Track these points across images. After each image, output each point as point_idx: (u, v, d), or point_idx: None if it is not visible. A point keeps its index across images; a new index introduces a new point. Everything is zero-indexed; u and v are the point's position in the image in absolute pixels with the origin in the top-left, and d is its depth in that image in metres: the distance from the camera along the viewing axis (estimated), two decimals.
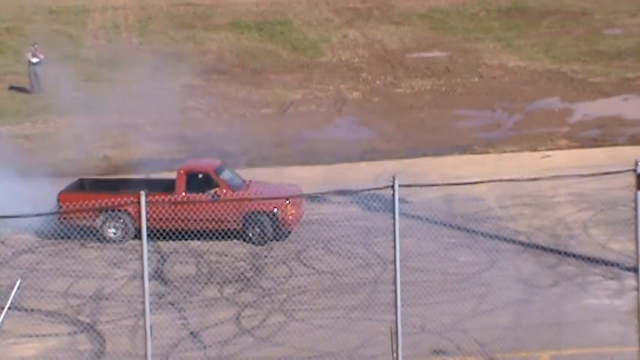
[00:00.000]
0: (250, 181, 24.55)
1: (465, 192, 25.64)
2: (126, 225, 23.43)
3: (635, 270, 15.75)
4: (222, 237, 22.61)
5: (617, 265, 21.47)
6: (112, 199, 22.37)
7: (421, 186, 17.38)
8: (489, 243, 22.90)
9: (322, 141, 32.01)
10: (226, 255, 22.89)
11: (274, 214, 23.13)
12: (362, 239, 23.20)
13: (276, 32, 45.64)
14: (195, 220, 23.14)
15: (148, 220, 21.85)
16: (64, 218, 23.44)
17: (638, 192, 15.59)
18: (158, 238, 22.04)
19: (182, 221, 23.11)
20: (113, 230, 23.52)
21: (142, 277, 14.85)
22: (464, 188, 24.77)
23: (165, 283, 21.49)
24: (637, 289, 15.70)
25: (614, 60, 41.48)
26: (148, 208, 21.70)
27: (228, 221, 23.17)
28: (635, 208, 15.69)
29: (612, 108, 35.38)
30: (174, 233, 22.87)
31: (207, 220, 23.09)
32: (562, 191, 26.23)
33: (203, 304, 20.42)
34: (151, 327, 14.83)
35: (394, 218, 15.31)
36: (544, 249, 22.82)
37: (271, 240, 23.20)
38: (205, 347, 18.57)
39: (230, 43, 44.12)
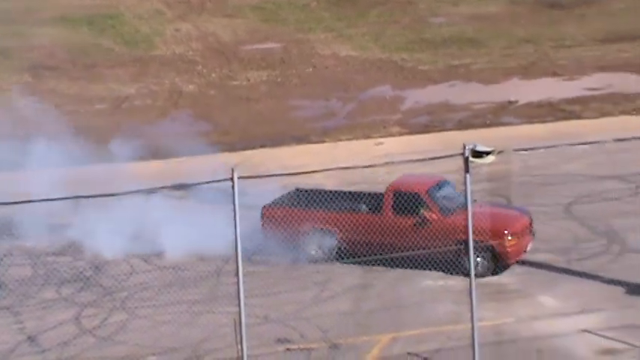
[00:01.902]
0: (476, 201, 20.54)
1: (303, 181, 25.95)
2: (330, 245, 21.30)
3: (467, 249, 16.37)
4: (433, 267, 20.46)
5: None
6: (317, 216, 20.90)
7: (260, 177, 17.57)
8: None
9: (158, 135, 31.82)
10: (64, 255, 22.53)
11: (490, 248, 20.27)
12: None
13: (107, 26, 45.04)
14: (400, 248, 20.52)
15: (347, 241, 21.02)
16: (266, 232, 21.58)
17: (467, 175, 16.19)
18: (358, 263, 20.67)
19: (386, 247, 20.68)
20: (316, 248, 21.51)
21: None
22: (302, 178, 25.03)
23: (0, 286, 21.01)
24: (469, 268, 16.31)
25: (440, 48, 42.68)
26: (350, 230, 20.65)
27: (440, 251, 20.52)
28: (465, 191, 16.30)
29: (440, 95, 36.42)
30: (378, 261, 20.69)
31: (413, 248, 20.47)
32: (396, 177, 26.88)
33: (40, 307, 20.06)
34: None
35: (234, 210, 15.45)
36: None
37: (492, 273, 20.49)
38: (44, 351, 18.27)
39: (60, 39, 43.27)
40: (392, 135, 32.00)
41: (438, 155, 17.57)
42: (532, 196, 25.11)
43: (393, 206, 20.82)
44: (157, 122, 33.51)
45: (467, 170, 16.16)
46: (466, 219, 18.91)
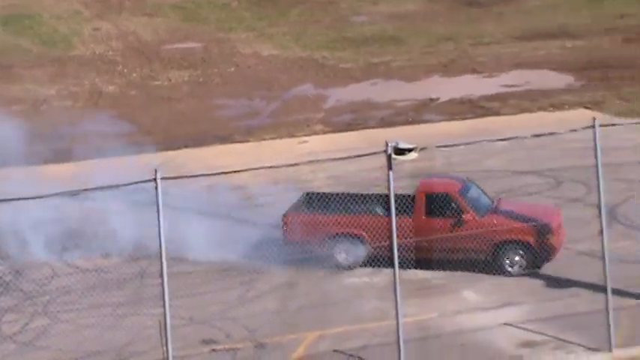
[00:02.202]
0: (500, 199, 21.48)
1: (228, 181, 25.89)
2: (357, 250, 20.75)
3: (391, 246, 16.49)
4: (468, 269, 20.26)
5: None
6: (344, 222, 20.33)
7: (183, 177, 17.47)
8: (254, 230, 23.23)
9: (79, 136, 31.47)
10: None
11: (529, 245, 20.08)
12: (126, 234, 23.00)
13: (24, 26, 44.41)
14: (435, 250, 20.21)
15: (378, 247, 20.13)
16: (289, 242, 21.00)
17: (390, 172, 16.32)
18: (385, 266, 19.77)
19: (420, 251, 20.17)
20: (344, 255, 20.89)
21: None
22: (227, 178, 24.99)
23: None
24: (393, 265, 16.44)
25: (362, 46, 42.92)
26: (378, 233, 19.90)
27: (476, 252, 20.25)
28: (388, 187, 16.43)
29: (362, 93, 36.61)
30: (408, 264, 19.91)
31: (450, 250, 20.19)
32: (320, 175, 26.95)
33: None
34: None
35: (158, 211, 15.35)
36: None
37: (532, 269, 20.26)
38: None
39: None
40: (316, 133, 32.09)
41: (362, 153, 17.65)
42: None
43: (425, 208, 20.50)
44: (77, 123, 33.13)
45: (390, 167, 16.29)
46: (503, 219, 19.87)
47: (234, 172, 22.83)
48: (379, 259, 20.08)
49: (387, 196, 19.94)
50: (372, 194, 21.98)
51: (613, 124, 20.04)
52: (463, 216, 20.24)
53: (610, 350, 16.56)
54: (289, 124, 33.08)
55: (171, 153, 29.88)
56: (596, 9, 47.85)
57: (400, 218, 19.41)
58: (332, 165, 25.14)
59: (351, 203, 21.48)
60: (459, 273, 20.63)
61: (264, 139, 31.54)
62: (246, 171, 21.93)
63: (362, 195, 21.91)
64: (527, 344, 17.35)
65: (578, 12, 47.61)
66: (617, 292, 17.41)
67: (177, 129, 32.61)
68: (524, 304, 18.95)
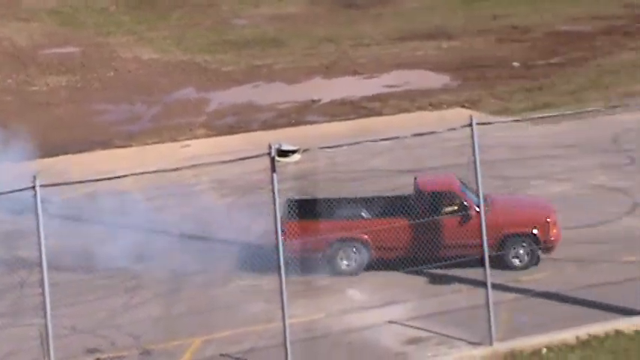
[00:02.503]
0: (491, 194, 20.77)
1: (111, 187, 25.56)
2: (361, 255, 20.27)
3: (277, 249, 16.53)
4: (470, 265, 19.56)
5: (259, 246, 22.29)
6: (346, 226, 19.81)
7: (63, 184, 17.21)
8: (137, 236, 23.00)
9: None
10: None
11: (535, 237, 19.96)
12: (4, 244, 22.55)
13: None
14: (441, 248, 19.96)
15: (382, 249, 19.83)
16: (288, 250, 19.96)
17: (274, 174, 16.35)
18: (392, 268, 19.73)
19: (424, 249, 19.87)
20: (346, 262, 20.42)
21: None
22: (109, 183, 24.64)
23: None
24: (277, 267, 16.47)
25: (243, 49, 42.91)
26: (383, 236, 19.47)
27: (481, 247, 19.95)
28: (273, 190, 16.45)
29: (245, 95, 36.59)
30: (412, 262, 19.81)
31: (455, 247, 19.87)
32: (204, 179, 26.85)
33: None
34: None
35: (37, 220, 15.08)
36: (191, 237, 23.27)
37: (534, 263, 20.20)
38: None
39: None
40: (198, 137, 31.95)
41: (245, 156, 17.65)
42: (339, 192, 25.55)
43: (431, 209, 20.15)
44: None
45: (273, 170, 16.33)
46: (507, 213, 19.85)
47: (116, 177, 22.58)
48: (383, 263, 19.95)
49: (390, 198, 20.69)
50: (362, 197, 21.66)
51: (489, 123, 20.45)
52: (470, 212, 19.99)
53: (491, 344, 16.92)
54: (171, 128, 32.84)
55: (50, 160, 29.35)
56: (471, 10, 48.83)
57: (404, 220, 19.72)
58: (216, 168, 25.03)
59: (348, 207, 21.12)
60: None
61: (147, 144, 31.25)
62: (127, 176, 21.72)
63: (352, 199, 21.63)
64: (412, 341, 17.60)
65: (453, 13, 48.50)
66: (496, 287, 17.79)
67: (56, 135, 32.06)
68: (408, 301, 19.20)
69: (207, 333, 18.43)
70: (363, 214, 20.72)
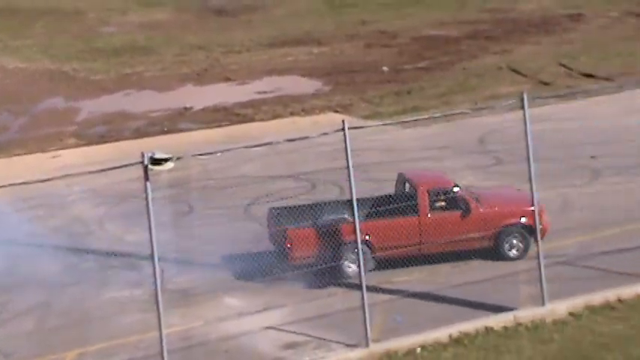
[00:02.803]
0: (473, 191, 21.33)
1: None
2: (366, 257, 19.46)
3: (152, 258, 16.41)
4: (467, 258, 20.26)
5: (135, 255, 22.11)
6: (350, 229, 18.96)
7: None
8: (14, 249, 22.53)
9: None
10: None
11: (529, 227, 20.13)
12: None
13: None
14: (445, 244, 20.15)
15: (390, 249, 19.51)
16: (294, 259, 19.86)
17: (147, 183, 16.24)
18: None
19: (430, 246, 20.14)
20: (352, 266, 19.77)
21: None
22: None
23: None
24: (153, 276, 16.37)
25: (113, 57, 42.42)
26: (390, 236, 19.18)
27: (480, 240, 20.38)
28: (146, 198, 16.33)
29: (115, 104, 36.19)
30: (417, 260, 19.94)
31: (456, 241, 20.18)
32: (76, 189, 26.47)
33: None
34: None
35: None
36: (64, 248, 22.92)
37: (526, 252, 20.42)
38: None
39: None
40: (69, 147, 31.47)
41: (118, 165, 17.48)
42: (213, 199, 25.54)
43: (430, 204, 20.34)
44: None
45: (147, 178, 16.21)
46: (500, 205, 20.30)
47: None
48: (387, 263, 19.90)
49: (378, 199, 20.72)
50: (369, 198, 21.33)
51: (361, 127, 20.72)
52: (471, 206, 20.34)
53: (367, 345, 17.14)
54: (40, 138, 32.26)
55: None
56: (339, 16, 49.36)
57: (408, 219, 19.97)
58: (87, 178, 24.71)
59: (346, 210, 20.59)
60: (219, 279, 20.74)
61: (15, 155, 30.62)
62: None
63: (365, 200, 21.17)
64: (290, 346, 17.69)
65: (322, 19, 48.93)
66: (371, 289, 18.04)
67: None
68: (285, 306, 19.30)
69: (81, 346, 18.17)
70: (364, 215, 20.36)
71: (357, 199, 20.28)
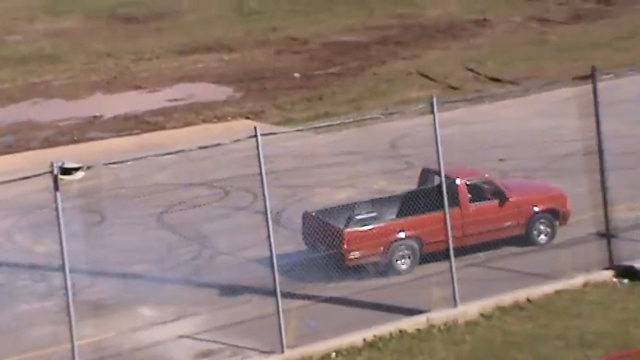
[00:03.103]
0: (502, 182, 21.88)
1: None
2: (414, 253, 20.27)
3: (63, 269, 16.22)
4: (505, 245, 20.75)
5: (45, 267, 21.81)
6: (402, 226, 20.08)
7: None
8: None
9: None
10: None
11: (557, 213, 21.05)
12: None
13: None
14: (483, 233, 20.60)
15: (437, 243, 19.42)
16: (351, 260, 19.99)
17: (57, 193, 16.04)
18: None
19: (470, 237, 20.47)
20: (402, 262, 20.30)
21: None
22: None
23: None
24: (65, 288, 16.17)
25: (19, 65, 41.80)
26: (437, 230, 19.04)
27: (515, 227, 20.94)
28: (56, 209, 16.13)
29: (23, 113, 35.67)
30: (460, 251, 19.53)
31: (495, 230, 20.74)
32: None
33: None
34: None
35: None
36: None
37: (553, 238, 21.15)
38: None
39: None
40: None
41: (26, 175, 17.22)
42: (125, 208, 25.31)
43: (470, 197, 20.78)
44: None
45: (56, 188, 16.01)
46: (528, 193, 21.15)
47: None
48: (434, 256, 19.91)
49: (414, 193, 21.06)
50: (395, 195, 21.91)
51: (273, 133, 20.74)
52: (507, 195, 20.94)
53: (282, 352, 17.16)
54: None
55: None
56: (249, 23, 49.36)
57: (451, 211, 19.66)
58: None
59: (392, 206, 21.43)
60: (133, 289, 20.57)
61: None
62: None
63: (391, 197, 21.90)
64: (204, 354, 17.63)
65: (232, 26, 48.88)
66: (285, 295, 18.06)
67: None
68: (199, 314, 19.23)
69: None
70: (410, 212, 20.81)
71: (388, 197, 21.83)
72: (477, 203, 20.85)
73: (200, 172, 27.64)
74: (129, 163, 24.70)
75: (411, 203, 20.92)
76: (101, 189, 26.44)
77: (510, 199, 21.02)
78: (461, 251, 19.80)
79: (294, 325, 18.11)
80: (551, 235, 21.20)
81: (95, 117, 35.51)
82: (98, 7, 52.88)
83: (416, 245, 20.42)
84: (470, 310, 18.22)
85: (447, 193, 19.30)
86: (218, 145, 19.79)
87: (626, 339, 16.82)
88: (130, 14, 51.34)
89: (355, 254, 20.10)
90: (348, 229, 20.34)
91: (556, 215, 21.17)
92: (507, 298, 18.54)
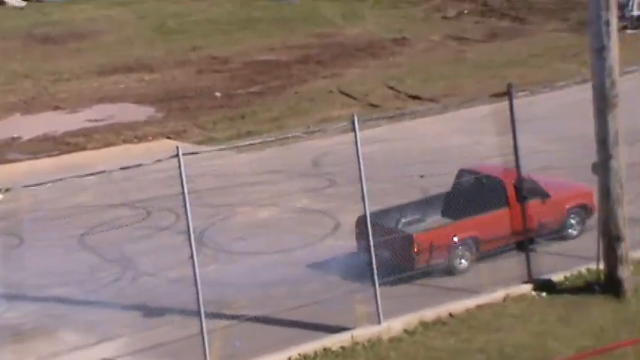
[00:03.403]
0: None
1: None
2: (472, 252, 20.86)
3: None
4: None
5: None
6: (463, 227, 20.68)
7: None
8: None
9: None
10: None
11: (589, 208, 21.80)
12: None
13: None
14: (528, 231, 20.71)
15: (491, 242, 20.68)
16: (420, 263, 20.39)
17: None
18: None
19: (516, 235, 20.86)
20: (463, 261, 20.83)
21: None
22: None
23: None
24: None
25: None
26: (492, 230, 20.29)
27: (553, 223, 21.66)
28: None
29: None
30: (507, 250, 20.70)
31: (538, 228, 21.28)
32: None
33: None
34: None
35: None
36: None
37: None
38: None
39: None
40: None
41: None
42: (45, 230, 25.01)
43: (516, 196, 21.04)
44: None
45: None
46: (562, 190, 21.99)
47: None
48: (490, 255, 20.71)
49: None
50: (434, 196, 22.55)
51: (195, 152, 20.71)
52: (548, 192, 21.60)
53: None
54: None
55: None
56: (168, 42, 49.18)
57: (503, 211, 20.95)
58: None
59: (435, 207, 22.05)
60: (54, 313, 20.31)
61: None
62: None
63: (431, 198, 22.53)
64: None
65: (151, 46, 48.65)
66: (209, 315, 18.00)
67: None
68: (121, 337, 19.05)
69: None
70: (469, 212, 21.21)
71: (432, 197, 22.47)
72: (524, 202, 21.13)
73: (122, 192, 27.42)
74: (48, 184, 24.44)
75: (455, 204, 21.62)
76: (20, 211, 26.10)
77: (551, 196, 21.72)
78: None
79: (218, 345, 18.05)
80: (581, 229, 21.94)
81: (13, 138, 35.05)
82: (14, 28, 52.27)
83: (474, 245, 20.96)
84: (393, 326, 18.35)
85: (493, 192, 20.69)
86: (140, 165, 19.70)
87: (545, 351, 17.13)
88: (47, 34, 50.83)
89: (425, 257, 20.51)
90: (418, 233, 20.81)
91: (586, 210, 22.01)
92: (430, 314, 18.71)
